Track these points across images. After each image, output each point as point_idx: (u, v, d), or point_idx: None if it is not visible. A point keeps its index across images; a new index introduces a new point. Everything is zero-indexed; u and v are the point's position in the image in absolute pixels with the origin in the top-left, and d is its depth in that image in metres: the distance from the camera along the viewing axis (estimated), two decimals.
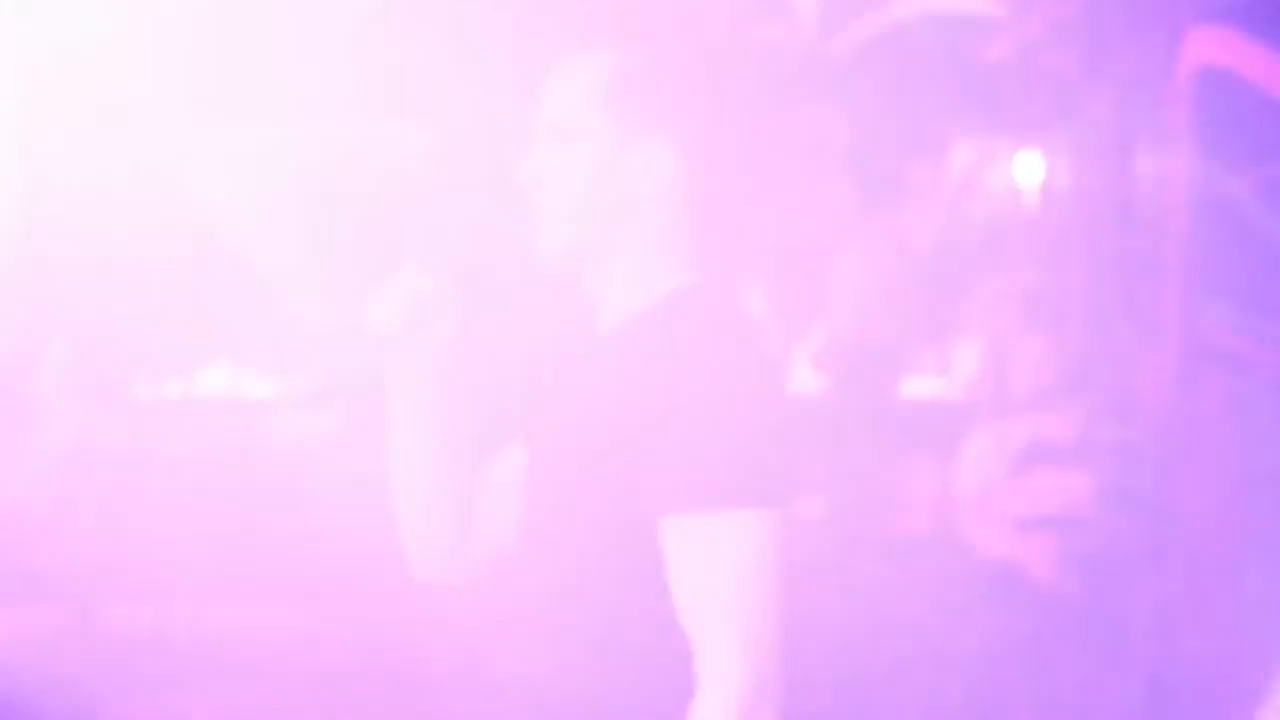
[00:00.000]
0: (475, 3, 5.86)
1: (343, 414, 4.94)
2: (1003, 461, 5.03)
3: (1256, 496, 4.62)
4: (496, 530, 1.95)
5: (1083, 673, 4.68)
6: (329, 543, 4.62)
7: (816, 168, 8.29)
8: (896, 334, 5.81)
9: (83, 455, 5.29)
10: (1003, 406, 5.22)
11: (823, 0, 8.09)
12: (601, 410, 1.76)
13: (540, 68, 1.89)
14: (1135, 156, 5.34)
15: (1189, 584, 4.68)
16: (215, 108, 5.40)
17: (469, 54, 5.68)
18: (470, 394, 1.91)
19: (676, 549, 1.68)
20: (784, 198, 8.38)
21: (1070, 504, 4.86)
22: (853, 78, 8.01)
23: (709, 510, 1.66)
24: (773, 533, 1.68)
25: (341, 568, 4.60)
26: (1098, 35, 5.61)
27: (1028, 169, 7.78)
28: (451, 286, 1.86)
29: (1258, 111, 4.78)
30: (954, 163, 8.00)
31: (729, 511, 1.66)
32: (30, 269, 5.93)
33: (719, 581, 1.66)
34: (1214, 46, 4.86)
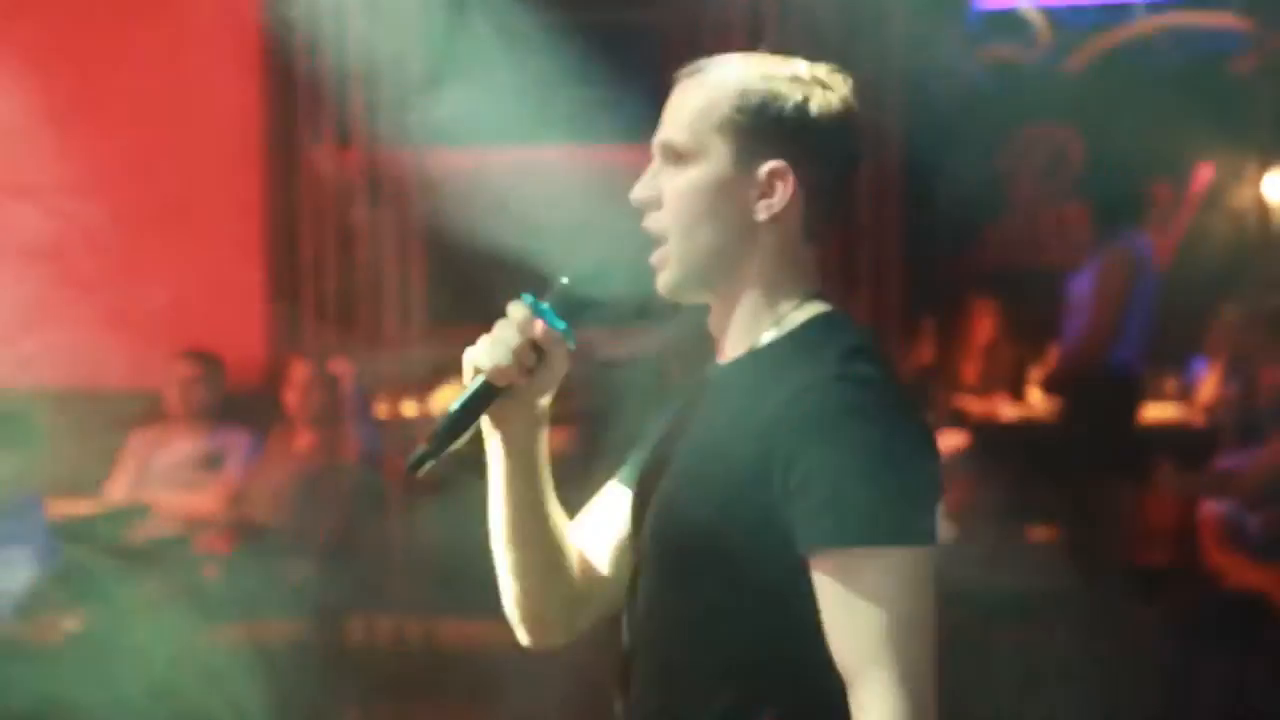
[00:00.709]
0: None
1: (577, 434, 5.00)
2: (1246, 489, 4.88)
3: None
4: (600, 584, 1.89)
5: None
6: None
7: (1052, 185, 8.12)
8: (1134, 357, 5.67)
9: (325, 470, 5.46)
10: (1248, 432, 5.06)
11: (1059, 14, 7.93)
12: (736, 446, 1.67)
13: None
14: None
15: None
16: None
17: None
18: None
19: (825, 586, 1.63)
20: (1016, 218, 8.24)
21: None
22: (1089, 93, 7.84)
23: (859, 546, 1.62)
24: (921, 567, 1.66)
25: None
26: None
27: (1275, 186, 7.52)
28: (563, 323, 1.76)
29: None
30: (1196, 180, 7.78)
31: (879, 548, 1.62)
32: (287, 300, 6.14)
33: (869, 618, 1.62)
34: None
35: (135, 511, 5.41)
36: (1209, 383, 6.23)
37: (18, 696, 4.43)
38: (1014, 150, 8.22)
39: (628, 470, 1.89)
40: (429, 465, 1.74)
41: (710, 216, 1.74)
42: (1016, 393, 6.77)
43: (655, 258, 1.77)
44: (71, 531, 5.01)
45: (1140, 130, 6.82)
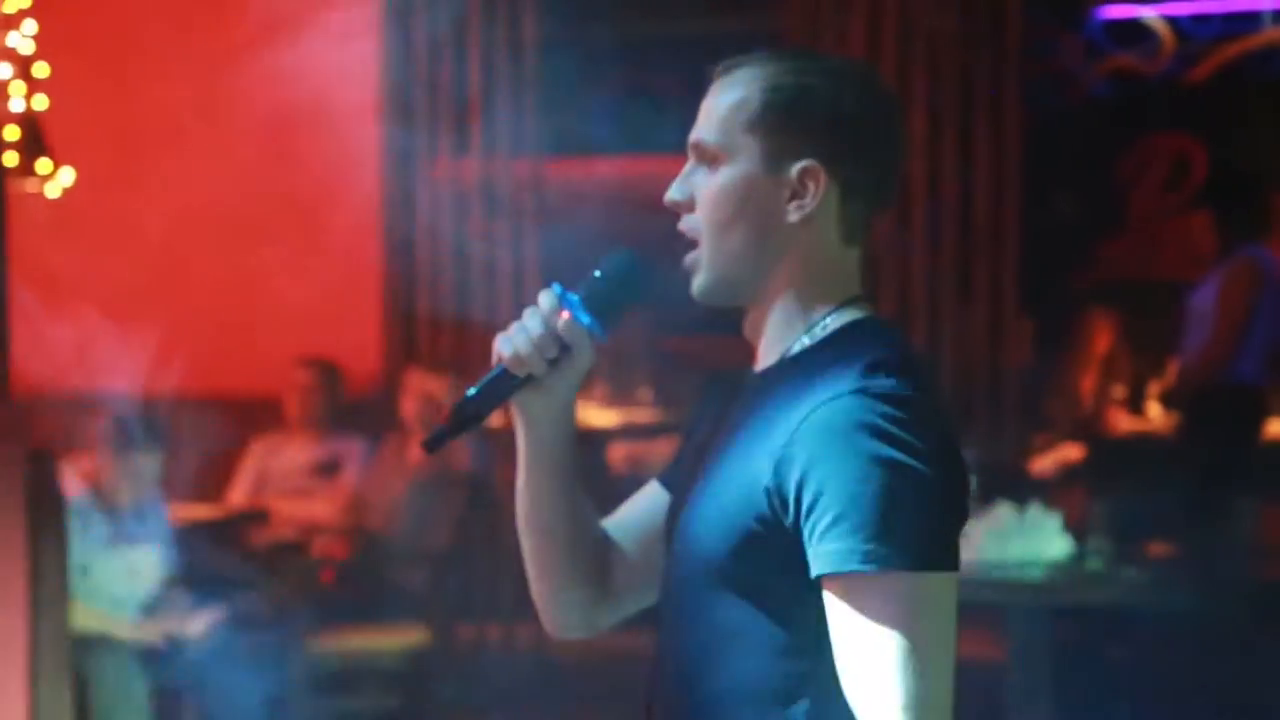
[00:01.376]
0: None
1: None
2: None
3: None
4: (628, 582, 1.85)
5: None
6: None
7: (1174, 197, 7.99)
8: (1257, 370, 5.56)
9: (438, 478, 5.51)
10: None
11: (1182, 24, 7.80)
12: (755, 462, 1.59)
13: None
14: None
15: None
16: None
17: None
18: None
19: (832, 611, 1.55)
20: (1136, 229, 8.11)
21: None
22: (1213, 103, 7.71)
23: (867, 570, 1.51)
24: (936, 593, 1.53)
25: None
26: None
27: None
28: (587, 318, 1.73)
29: None
30: None
31: (889, 573, 1.51)
32: (404, 309, 6.20)
33: (876, 646, 1.52)
34: None
35: (254, 517, 5.49)
36: None
37: (141, 695, 4.51)
38: (1135, 161, 8.11)
39: (668, 472, 1.85)
40: (443, 444, 1.76)
41: (741, 218, 1.68)
42: (1135, 406, 6.67)
43: (688, 260, 1.71)
44: (193, 535, 5.09)
45: (1265, 141, 6.69)
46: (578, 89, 9.01)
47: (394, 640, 5.14)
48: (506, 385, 1.74)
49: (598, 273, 1.75)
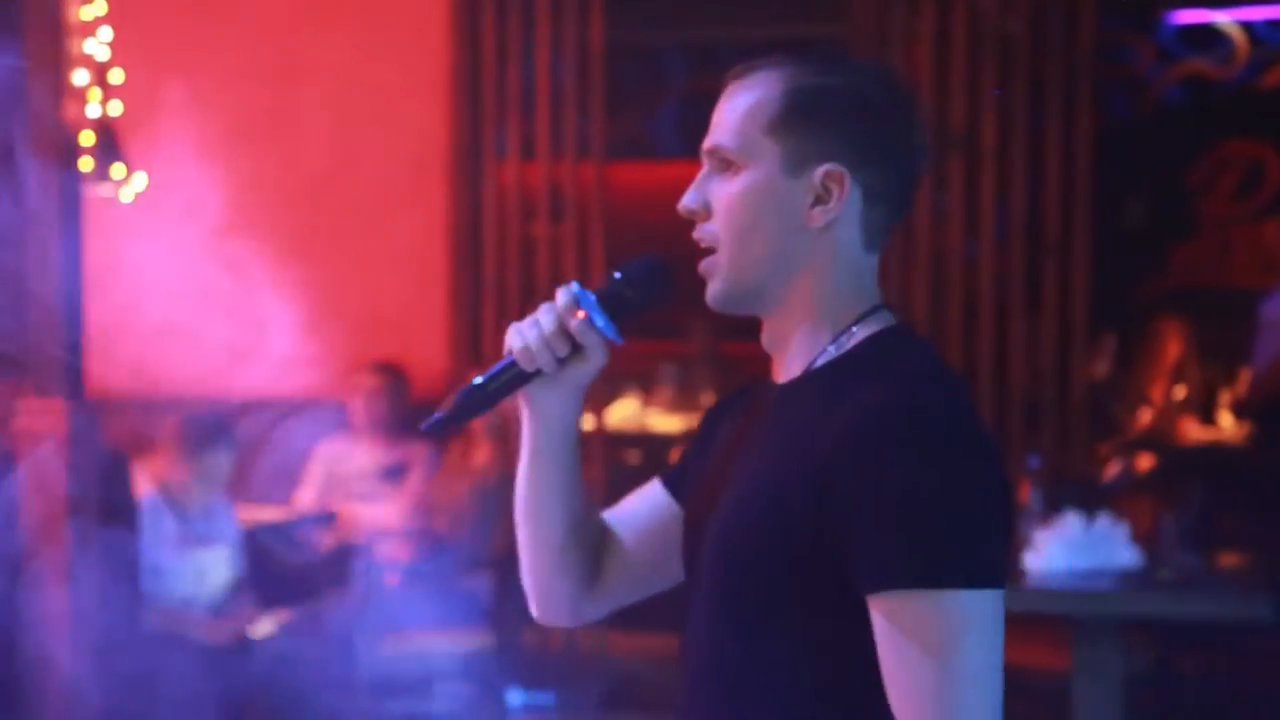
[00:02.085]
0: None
1: None
2: None
3: None
4: (620, 577, 1.85)
5: None
6: None
7: (1246, 204, 7.90)
8: None
9: (503, 483, 5.53)
10: None
11: (1257, 29, 7.72)
12: (790, 480, 1.54)
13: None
14: None
15: None
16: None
17: None
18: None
19: (881, 632, 1.49)
20: (1208, 236, 8.03)
21: None
22: None
23: (915, 590, 1.46)
24: (984, 611, 1.47)
25: None
26: None
27: None
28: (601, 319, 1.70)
29: None
30: None
31: (936, 592, 1.46)
32: (470, 314, 6.23)
33: (924, 667, 1.47)
34: None
35: (322, 519, 5.52)
36: None
37: (209, 693, 4.54)
38: (1207, 168, 8.02)
39: (674, 475, 1.83)
40: (443, 430, 1.74)
41: (762, 225, 1.62)
42: (1206, 415, 6.60)
43: (703, 267, 1.66)
44: (261, 537, 5.13)
45: None
46: (644, 93, 9.02)
47: (459, 644, 5.16)
48: (514, 378, 1.73)
49: (618, 274, 1.72)
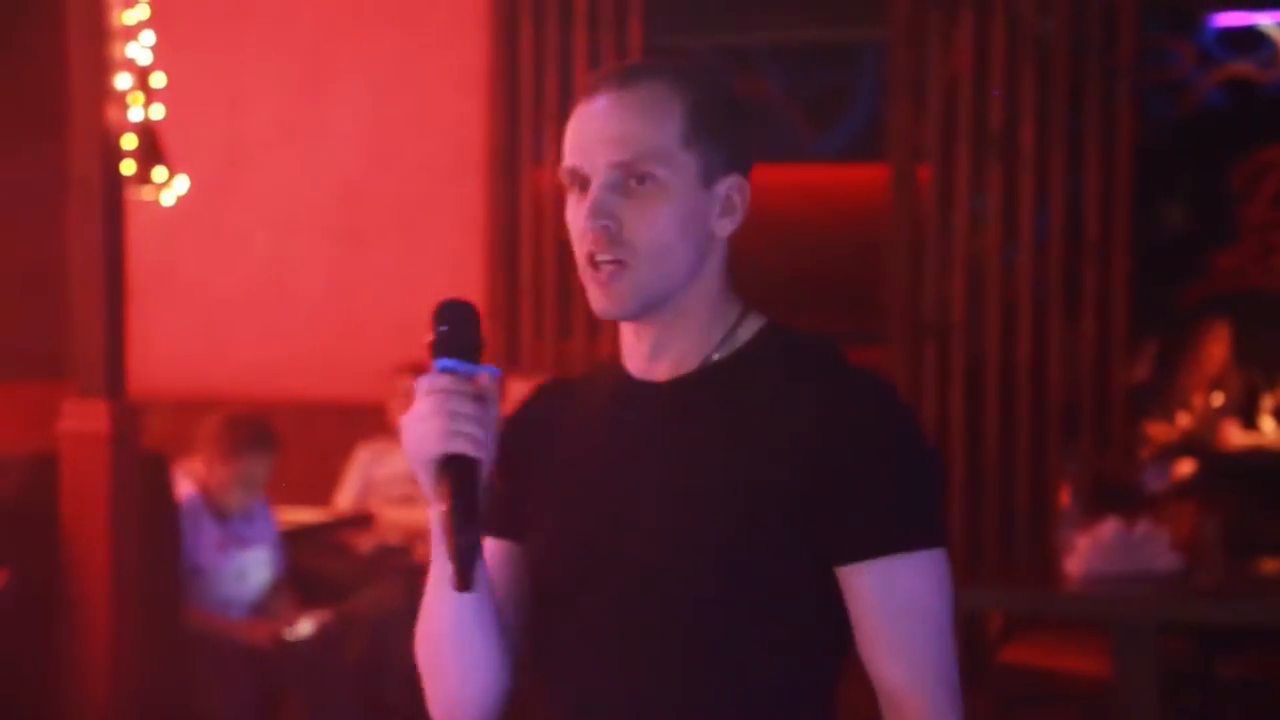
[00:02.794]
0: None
1: None
2: None
3: None
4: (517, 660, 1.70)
5: None
6: None
7: None
8: None
9: None
10: None
11: None
12: (758, 463, 1.59)
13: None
14: None
15: None
16: None
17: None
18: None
19: (865, 594, 1.58)
20: (1249, 240, 7.97)
21: None
22: None
23: (919, 550, 1.58)
24: (947, 564, 1.61)
25: None
26: None
27: None
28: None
29: None
30: None
31: (929, 551, 1.59)
32: (507, 317, 6.24)
33: (924, 623, 1.58)
34: None
35: (359, 521, 5.54)
36: None
37: (248, 693, 4.56)
38: (1247, 171, 7.97)
39: (498, 517, 1.68)
40: (471, 574, 1.55)
41: (682, 238, 1.63)
42: (1248, 420, 6.56)
43: (607, 279, 1.62)
44: (299, 539, 5.15)
45: None
46: None
47: None
48: (473, 477, 1.54)
49: (445, 327, 1.60)
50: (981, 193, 5.78)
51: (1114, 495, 4.85)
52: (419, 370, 5.84)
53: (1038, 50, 5.72)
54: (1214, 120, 7.96)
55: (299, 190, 6.38)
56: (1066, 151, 5.71)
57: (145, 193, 5.32)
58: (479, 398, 1.57)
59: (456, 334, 1.59)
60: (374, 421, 5.73)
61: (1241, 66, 7.84)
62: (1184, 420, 6.34)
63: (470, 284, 6.21)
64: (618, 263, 1.62)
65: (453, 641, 1.64)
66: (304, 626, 4.69)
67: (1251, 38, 7.80)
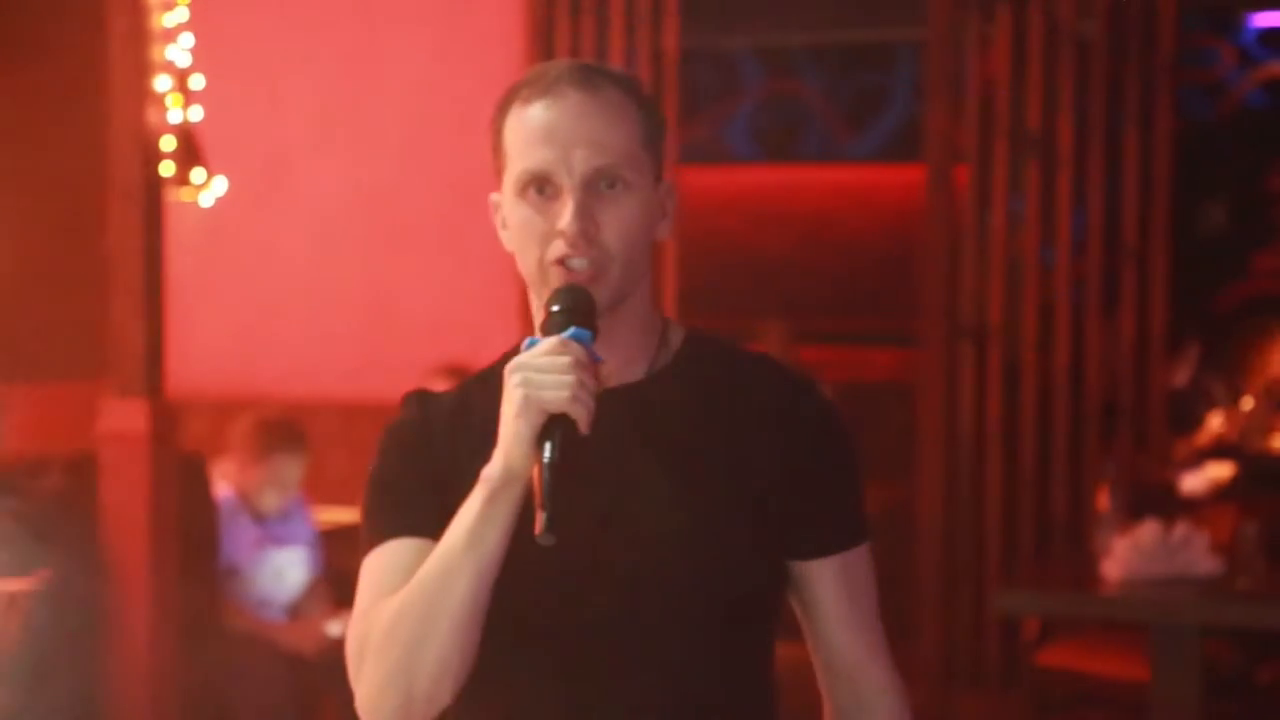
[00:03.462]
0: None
1: None
2: None
3: None
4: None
5: None
6: None
7: None
8: None
9: None
10: None
11: None
12: (737, 466, 1.64)
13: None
14: None
15: None
16: None
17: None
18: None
19: (843, 583, 1.70)
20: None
21: None
22: None
23: (865, 543, 1.71)
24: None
25: None
26: None
27: None
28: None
29: None
30: None
31: (863, 544, 1.72)
32: None
33: (872, 608, 1.72)
34: None
35: None
36: None
37: (285, 692, 4.58)
38: None
39: (423, 520, 1.64)
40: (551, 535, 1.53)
41: (643, 239, 1.65)
42: None
43: (589, 284, 1.61)
44: (335, 538, 5.17)
45: None
46: (718, 98, 9.02)
47: None
48: (567, 439, 1.54)
49: (555, 307, 1.60)
50: (1019, 194, 5.76)
51: (1153, 498, 4.82)
52: (455, 371, 5.84)
53: (1076, 50, 5.70)
54: (1253, 120, 7.92)
55: (337, 192, 6.41)
56: (1105, 152, 5.68)
57: (184, 194, 5.36)
58: (595, 378, 1.56)
59: (586, 314, 1.60)
60: None
61: None
62: (1229, 422, 6.30)
63: (507, 285, 6.22)
64: (594, 266, 1.62)
65: (460, 611, 1.56)
66: (340, 626, 4.71)
67: None
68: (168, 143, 4.70)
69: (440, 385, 6.25)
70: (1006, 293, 5.75)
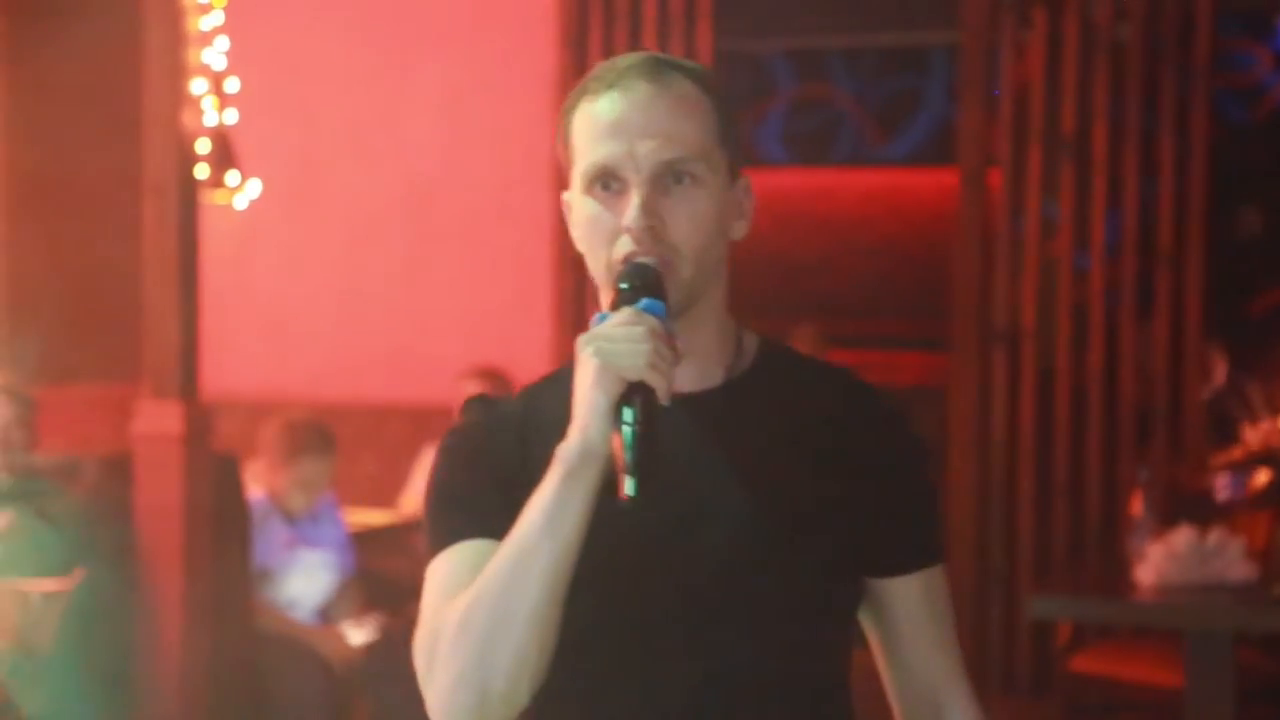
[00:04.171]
0: None
1: None
2: None
3: None
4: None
5: None
6: None
7: None
8: None
9: None
10: None
11: None
12: (820, 478, 1.59)
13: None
14: None
15: None
16: None
17: None
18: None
19: (925, 601, 1.66)
20: None
21: None
22: None
23: (938, 563, 1.68)
24: None
25: None
26: None
27: None
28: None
29: None
30: None
31: (942, 562, 1.69)
32: (574, 320, 6.25)
33: (950, 627, 1.69)
34: None
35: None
36: None
37: (317, 694, 4.59)
38: None
39: (497, 523, 1.54)
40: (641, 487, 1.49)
41: (714, 239, 1.58)
42: None
43: (659, 279, 1.55)
44: (366, 541, 5.18)
45: None
46: (751, 101, 9.01)
47: None
48: (652, 416, 1.48)
49: (624, 285, 1.55)
50: (1053, 198, 5.74)
51: (1187, 504, 4.80)
52: (486, 374, 5.83)
53: (1111, 54, 5.67)
54: None
55: (370, 195, 6.43)
56: (1139, 156, 5.66)
57: (218, 196, 5.38)
58: (672, 348, 1.50)
59: (656, 289, 1.53)
60: (443, 424, 5.74)
61: None
62: (1267, 430, 6.26)
63: (538, 288, 6.23)
64: (661, 264, 1.55)
65: (538, 599, 1.47)
66: (369, 629, 4.71)
67: None
68: (203, 145, 4.72)
69: (472, 388, 6.26)
70: (1040, 297, 5.73)
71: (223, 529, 4.56)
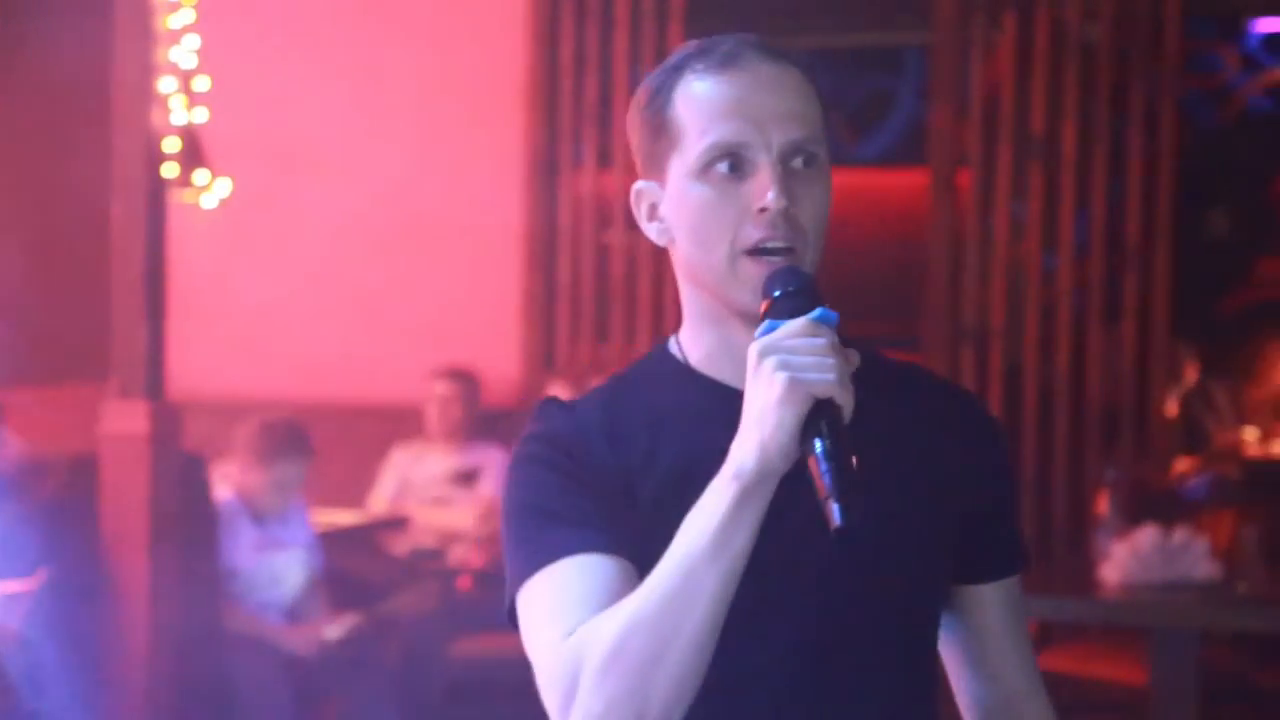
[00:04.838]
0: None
1: None
2: None
3: None
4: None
5: None
6: None
7: None
8: None
9: None
10: None
11: None
12: (925, 474, 1.55)
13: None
14: None
15: None
16: None
17: None
18: None
19: (1011, 606, 1.64)
20: None
21: None
22: None
23: (1023, 569, 1.65)
24: None
25: None
26: None
27: None
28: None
29: None
30: None
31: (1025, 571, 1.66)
32: (543, 320, 6.25)
33: (1027, 638, 1.66)
34: None
35: (394, 524, 5.56)
36: None
37: (283, 696, 4.58)
38: None
39: (612, 536, 1.48)
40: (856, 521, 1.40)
41: (826, 225, 1.53)
42: None
43: (768, 267, 1.48)
44: (335, 541, 5.17)
45: None
46: None
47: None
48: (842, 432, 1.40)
49: (779, 292, 1.46)
50: (1022, 198, 5.76)
51: (1152, 503, 4.82)
52: (458, 375, 5.82)
53: (1081, 55, 5.70)
54: (1257, 126, 7.92)
55: (341, 195, 6.41)
56: (1108, 157, 5.69)
57: (187, 195, 5.36)
58: (849, 363, 1.42)
59: (817, 296, 1.45)
60: (412, 424, 5.75)
61: None
62: (1237, 429, 6.29)
63: (508, 287, 6.23)
64: (789, 250, 1.48)
65: (703, 624, 1.40)
66: (338, 629, 4.71)
67: None
68: (172, 144, 4.71)
69: (441, 389, 6.21)
70: (1008, 296, 5.75)
71: (189, 529, 4.54)
